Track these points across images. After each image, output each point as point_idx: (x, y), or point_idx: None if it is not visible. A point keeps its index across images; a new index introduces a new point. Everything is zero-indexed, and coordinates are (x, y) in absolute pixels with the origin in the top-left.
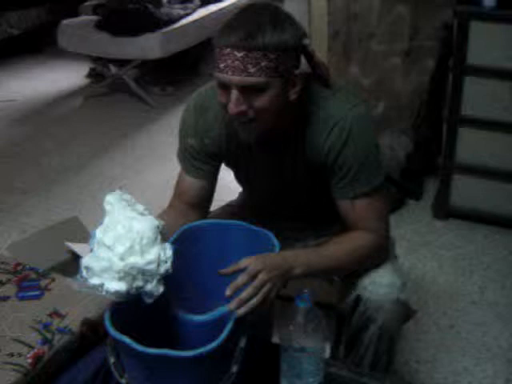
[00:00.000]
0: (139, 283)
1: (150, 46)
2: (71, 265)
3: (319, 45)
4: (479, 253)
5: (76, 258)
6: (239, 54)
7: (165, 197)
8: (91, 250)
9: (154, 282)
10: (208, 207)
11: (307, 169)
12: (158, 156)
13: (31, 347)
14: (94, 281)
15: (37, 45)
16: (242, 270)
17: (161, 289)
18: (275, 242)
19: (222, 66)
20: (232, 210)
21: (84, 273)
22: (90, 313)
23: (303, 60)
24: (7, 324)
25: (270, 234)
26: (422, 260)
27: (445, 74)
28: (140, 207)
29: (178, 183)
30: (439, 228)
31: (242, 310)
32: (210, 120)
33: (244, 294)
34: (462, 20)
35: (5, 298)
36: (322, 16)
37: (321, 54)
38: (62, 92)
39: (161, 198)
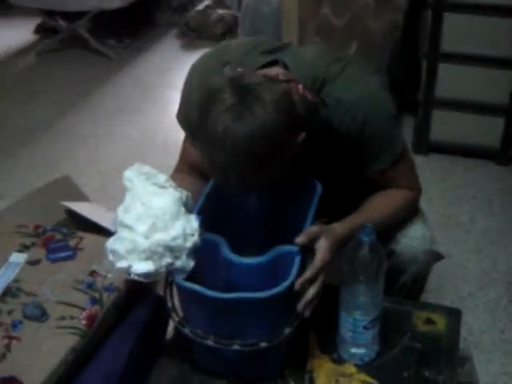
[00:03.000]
0: (168, 260)
1: None
2: (70, 225)
3: None
4: (463, 184)
5: (73, 217)
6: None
7: (142, 151)
8: (115, 232)
9: (183, 257)
10: None
11: (328, 153)
12: (129, 109)
13: (82, 308)
14: (122, 264)
15: None
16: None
17: (191, 263)
18: (314, 181)
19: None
20: None
21: (110, 256)
22: None
23: None
24: (47, 287)
25: (310, 178)
26: None
27: (417, 12)
28: (161, 178)
29: (183, 148)
30: (421, 163)
31: (307, 313)
32: None
33: (310, 295)
34: None
35: (36, 262)
36: None
37: None
38: (11, 50)
39: (139, 151)
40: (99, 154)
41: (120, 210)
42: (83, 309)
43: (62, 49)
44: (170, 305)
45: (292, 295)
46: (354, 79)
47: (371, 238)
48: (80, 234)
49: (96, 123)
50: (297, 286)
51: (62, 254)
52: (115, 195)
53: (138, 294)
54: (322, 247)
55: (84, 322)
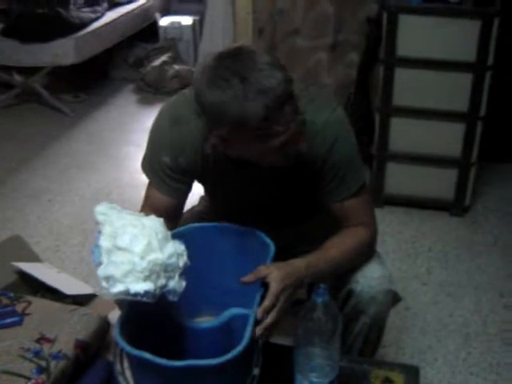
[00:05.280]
0: (162, 281)
1: (63, 51)
2: (21, 286)
3: (244, 43)
4: (419, 236)
5: (24, 278)
6: (288, 103)
7: None
8: (98, 265)
9: (176, 277)
10: (180, 217)
11: (289, 176)
12: (83, 165)
13: (27, 378)
14: (118, 288)
15: None
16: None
17: (183, 284)
18: (267, 240)
19: (280, 129)
20: (200, 216)
21: (104, 284)
22: (79, 334)
23: None
24: None
25: (261, 233)
26: None
27: (370, 67)
28: (130, 212)
29: (147, 197)
30: (377, 216)
31: (265, 334)
32: (185, 135)
33: (269, 320)
34: (391, 14)
35: None
36: (247, 14)
37: None
38: None
39: (93, 209)
40: (52, 212)
41: (103, 239)
42: (29, 378)
43: (16, 104)
44: (120, 373)
45: (247, 359)
46: (323, 105)
47: (325, 298)
48: (28, 298)
49: (49, 180)
50: (258, 315)
51: (8, 320)
52: (69, 254)
53: (88, 361)
54: (275, 277)
55: None
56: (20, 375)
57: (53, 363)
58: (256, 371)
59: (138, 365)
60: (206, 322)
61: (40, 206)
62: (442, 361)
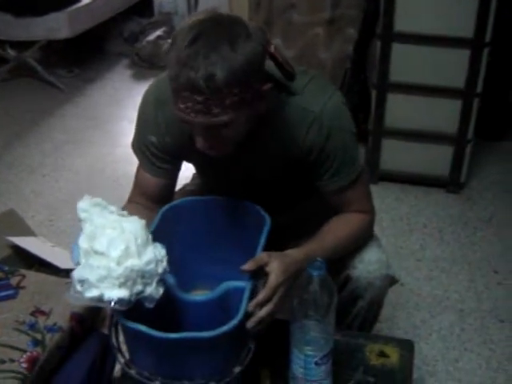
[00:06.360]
0: (139, 287)
1: (57, 25)
2: (16, 261)
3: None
4: (414, 212)
5: (19, 253)
6: (200, 98)
7: (91, 183)
8: (77, 264)
9: (154, 284)
10: (171, 198)
11: (282, 163)
12: (78, 141)
13: (23, 350)
14: (92, 293)
15: None
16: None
17: (161, 291)
18: (263, 212)
19: (182, 106)
20: (192, 195)
21: (78, 287)
22: (74, 307)
23: None
24: None
25: (257, 207)
26: None
27: (367, 43)
28: (114, 208)
29: (137, 179)
30: (372, 192)
31: (259, 327)
32: (171, 115)
33: (263, 313)
34: None
35: None
36: None
37: None
38: None
39: (87, 184)
40: (47, 187)
41: (82, 239)
42: (24, 351)
43: (10, 78)
44: (115, 346)
45: (242, 332)
46: (319, 92)
47: (321, 272)
48: (23, 271)
49: (44, 155)
50: (250, 308)
51: (3, 294)
52: (64, 228)
53: (83, 334)
54: (274, 268)
55: (25, 365)
56: (15, 348)
57: (48, 336)
58: (251, 344)
59: (133, 338)
60: (201, 295)
61: (35, 180)
62: (436, 336)
